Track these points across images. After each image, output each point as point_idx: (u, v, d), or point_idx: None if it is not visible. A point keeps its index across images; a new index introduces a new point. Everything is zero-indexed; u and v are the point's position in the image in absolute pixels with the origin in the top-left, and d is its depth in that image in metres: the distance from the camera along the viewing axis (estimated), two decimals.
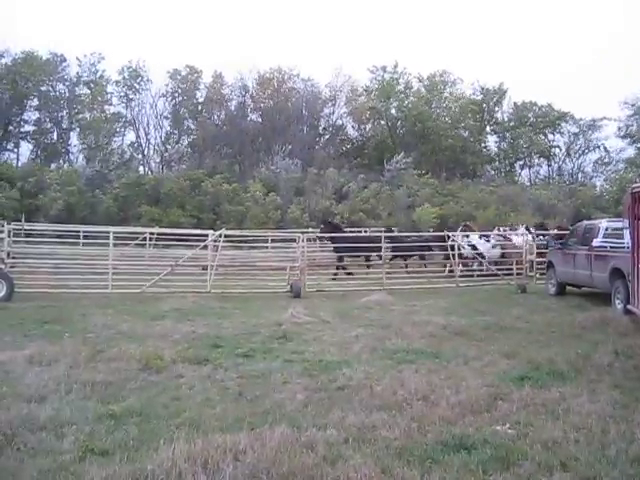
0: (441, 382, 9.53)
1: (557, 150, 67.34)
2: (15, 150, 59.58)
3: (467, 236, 28.82)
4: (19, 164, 55.28)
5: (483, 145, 68.15)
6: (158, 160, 61.24)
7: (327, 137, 64.98)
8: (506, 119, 67.62)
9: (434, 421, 7.71)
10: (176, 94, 60.11)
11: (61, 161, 56.57)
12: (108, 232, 22.80)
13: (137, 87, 59.11)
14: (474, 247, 27.95)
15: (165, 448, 6.59)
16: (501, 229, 32.37)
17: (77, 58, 58.36)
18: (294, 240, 25.87)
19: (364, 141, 65.00)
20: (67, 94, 58.88)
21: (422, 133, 61.08)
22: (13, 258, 21.86)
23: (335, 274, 27.14)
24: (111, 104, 59.77)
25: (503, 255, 28.46)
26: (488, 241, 28.73)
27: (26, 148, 59.53)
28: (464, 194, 52.19)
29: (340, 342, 12.96)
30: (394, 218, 45.96)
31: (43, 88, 57.92)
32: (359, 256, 28.42)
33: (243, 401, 8.85)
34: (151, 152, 61.50)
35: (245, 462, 6.30)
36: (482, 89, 66.46)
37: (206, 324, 15.18)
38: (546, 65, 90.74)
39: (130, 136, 61.07)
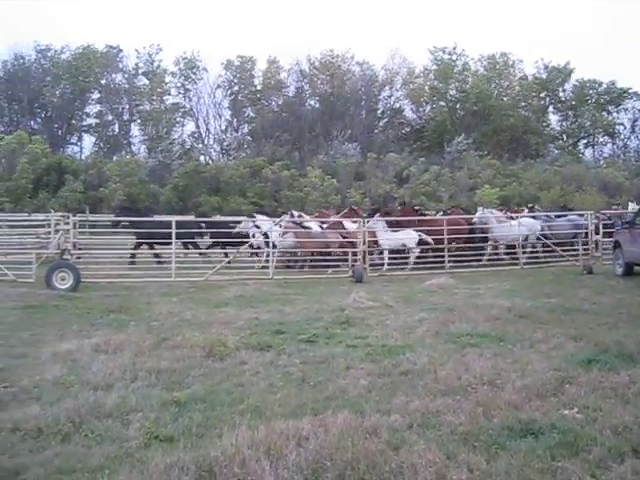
0: (506, 366, 9.37)
1: (621, 128, 65.79)
2: (78, 143, 60.79)
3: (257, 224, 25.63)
4: (83, 157, 56.28)
5: (546, 124, 66.90)
6: (218, 149, 61.68)
7: (385, 120, 64.55)
8: (568, 97, 66.17)
9: (500, 406, 7.57)
10: (232, 83, 60.35)
11: (123, 153, 57.35)
12: (170, 221, 23.05)
13: (193, 77, 59.54)
14: (266, 235, 24.50)
15: (228, 435, 6.61)
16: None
17: (135, 50, 59.20)
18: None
19: (423, 123, 64.38)
20: (126, 86, 59.59)
21: (483, 113, 60.23)
22: (79, 249, 22.23)
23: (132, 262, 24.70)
24: (169, 94, 60.34)
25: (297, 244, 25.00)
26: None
27: (89, 141, 60.71)
28: (527, 175, 51.36)
29: (403, 326, 12.85)
30: (455, 200, 45.52)
31: (103, 81, 58.81)
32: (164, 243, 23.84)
33: (306, 387, 8.84)
34: (211, 141, 61.98)
35: (308, 448, 6.28)
36: (546, 67, 65.14)
37: (269, 310, 15.23)
38: (609, 41, 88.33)
39: (190, 126, 61.67)
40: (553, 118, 67.67)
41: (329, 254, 24.68)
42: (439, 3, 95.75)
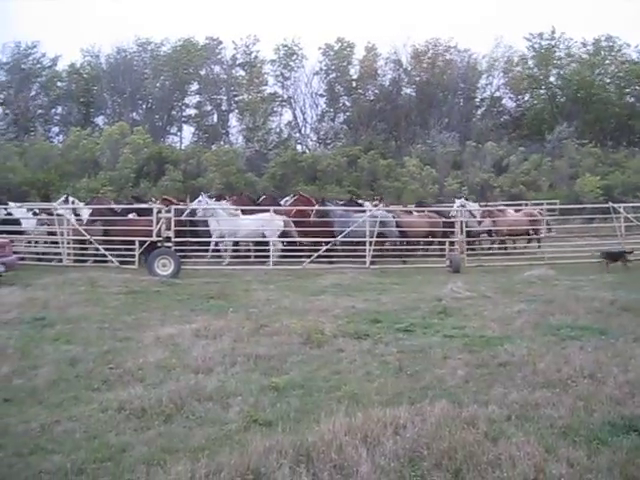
0: (608, 360, 9.15)
1: None
2: (178, 133, 62.08)
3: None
4: (182, 147, 57.47)
5: None
6: (314, 138, 61.95)
7: (484, 109, 63.51)
8: None
9: (601, 400, 7.42)
10: (330, 71, 60.43)
11: (222, 142, 58.26)
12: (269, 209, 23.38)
13: (292, 65, 59.89)
14: None
15: (326, 421, 6.70)
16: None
17: (233, 42, 59.86)
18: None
19: (522, 112, 62.99)
20: (225, 77, 60.48)
21: (585, 101, 58.47)
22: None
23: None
24: (267, 84, 60.89)
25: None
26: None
27: (188, 131, 61.83)
28: (631, 163, 49.58)
29: (501, 317, 12.70)
30: (555, 190, 44.45)
31: (202, 72, 59.81)
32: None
33: (403, 376, 8.85)
34: (307, 130, 62.30)
35: (405, 437, 6.31)
36: None
37: (365, 299, 15.28)
38: None
39: (287, 115, 62.08)
40: None
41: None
42: None
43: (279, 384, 8.36)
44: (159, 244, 21.22)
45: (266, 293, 16.22)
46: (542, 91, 62.17)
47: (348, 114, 61.45)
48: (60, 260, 22.54)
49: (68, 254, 22.85)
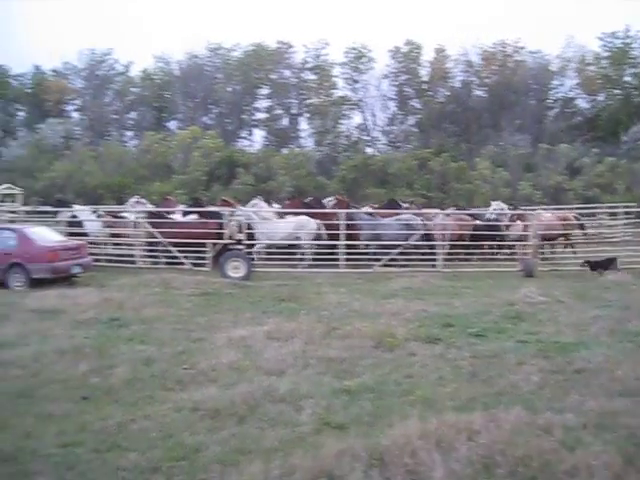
0: None
1: None
2: (249, 137, 62.70)
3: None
4: (253, 150, 58.00)
5: None
6: (384, 141, 61.80)
7: (556, 110, 62.43)
8: None
9: None
10: (399, 73, 60.25)
11: (292, 146, 58.62)
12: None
13: (361, 68, 59.92)
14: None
15: (399, 425, 6.69)
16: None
17: (303, 45, 60.23)
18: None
19: (596, 112, 61.70)
20: (295, 81, 60.88)
21: None
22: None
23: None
24: (336, 88, 61.03)
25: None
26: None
27: (259, 135, 62.39)
28: None
29: (576, 323, 12.46)
30: (632, 193, 43.39)
31: (273, 76, 60.33)
32: None
33: (476, 381, 8.77)
34: (377, 133, 62.18)
35: (479, 442, 6.25)
36: None
37: (437, 303, 15.17)
38: None
39: (357, 118, 62.10)
40: None
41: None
42: None
43: (351, 387, 8.38)
44: (230, 246, 21.45)
45: (337, 296, 16.22)
46: (617, 91, 60.77)
47: (418, 116, 61.14)
48: (133, 262, 22.96)
49: (141, 256, 23.27)
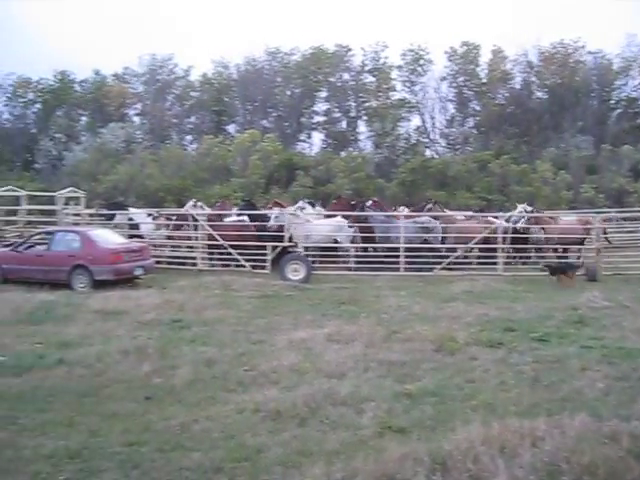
0: None
1: None
2: (308, 140, 62.87)
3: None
4: (312, 153, 58.17)
5: None
6: (443, 143, 61.42)
7: (620, 111, 61.21)
8: None
9: None
10: (457, 74, 59.82)
11: (351, 148, 58.60)
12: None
13: (419, 70, 59.65)
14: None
15: (461, 429, 6.65)
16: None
17: (362, 48, 60.15)
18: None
19: None
20: (353, 83, 60.89)
21: None
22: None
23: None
24: (395, 90, 60.84)
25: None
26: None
27: (318, 138, 62.49)
28: None
29: None
30: None
31: (331, 79, 60.43)
32: None
33: (539, 386, 8.67)
34: (436, 135, 61.81)
35: (543, 449, 6.16)
36: None
37: (498, 307, 15.02)
38: None
39: (415, 121, 61.79)
40: None
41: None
42: None
43: (412, 391, 8.35)
44: (290, 249, 21.56)
45: (397, 299, 16.17)
46: None
47: (477, 118, 60.60)
48: (194, 264, 23.22)
49: (202, 258, 23.52)
